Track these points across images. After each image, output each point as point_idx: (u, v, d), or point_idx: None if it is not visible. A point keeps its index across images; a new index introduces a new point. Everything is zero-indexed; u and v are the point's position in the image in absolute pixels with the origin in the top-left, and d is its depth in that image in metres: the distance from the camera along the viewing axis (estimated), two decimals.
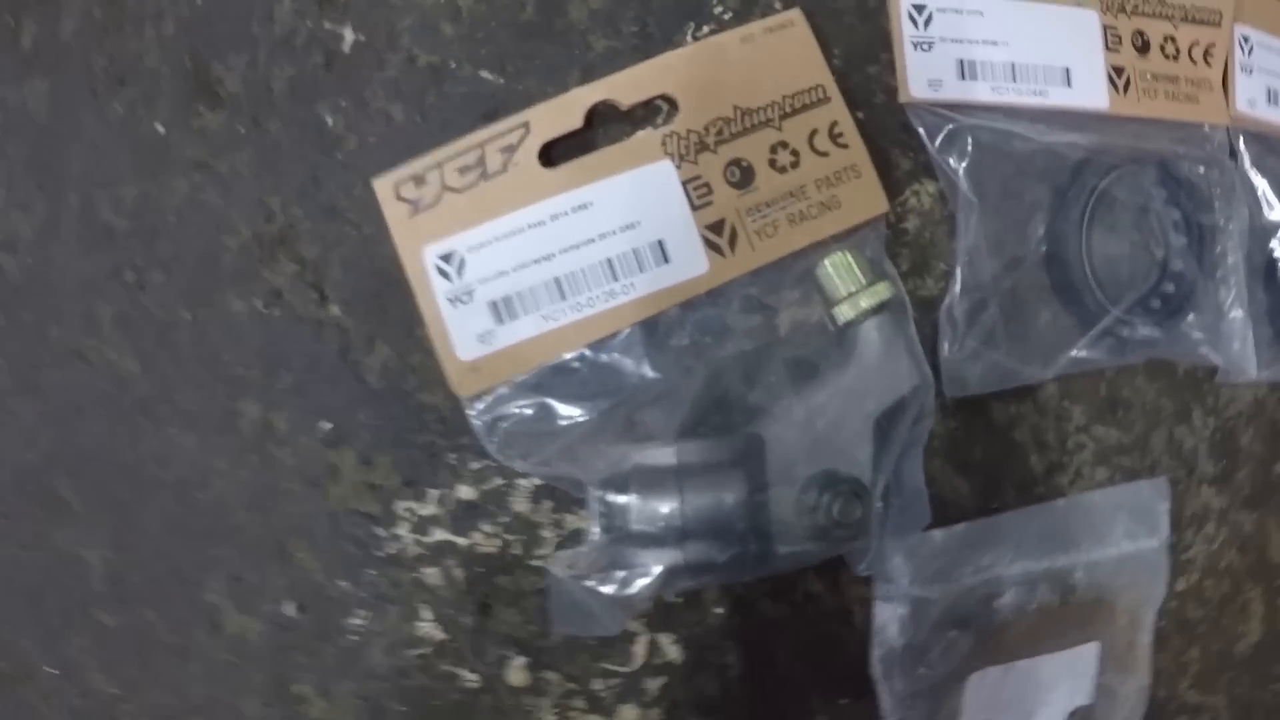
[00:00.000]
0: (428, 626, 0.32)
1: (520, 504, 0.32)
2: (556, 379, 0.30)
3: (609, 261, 0.31)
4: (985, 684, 0.33)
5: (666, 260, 0.31)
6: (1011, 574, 0.34)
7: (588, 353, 0.30)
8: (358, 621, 0.32)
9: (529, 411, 0.30)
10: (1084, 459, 0.36)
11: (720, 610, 0.33)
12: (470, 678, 0.32)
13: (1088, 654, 0.35)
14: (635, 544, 0.28)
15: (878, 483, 0.29)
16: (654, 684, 0.33)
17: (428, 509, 0.32)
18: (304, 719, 0.33)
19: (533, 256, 0.31)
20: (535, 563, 0.32)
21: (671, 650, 0.33)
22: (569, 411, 0.30)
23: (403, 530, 0.32)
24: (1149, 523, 0.36)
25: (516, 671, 0.32)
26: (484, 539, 0.32)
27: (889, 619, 0.33)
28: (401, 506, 0.32)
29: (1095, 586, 0.35)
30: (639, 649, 0.33)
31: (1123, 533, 0.35)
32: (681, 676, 0.33)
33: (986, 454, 0.34)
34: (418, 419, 0.32)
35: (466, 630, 0.32)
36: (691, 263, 0.31)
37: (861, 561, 0.31)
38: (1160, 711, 0.40)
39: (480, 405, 0.30)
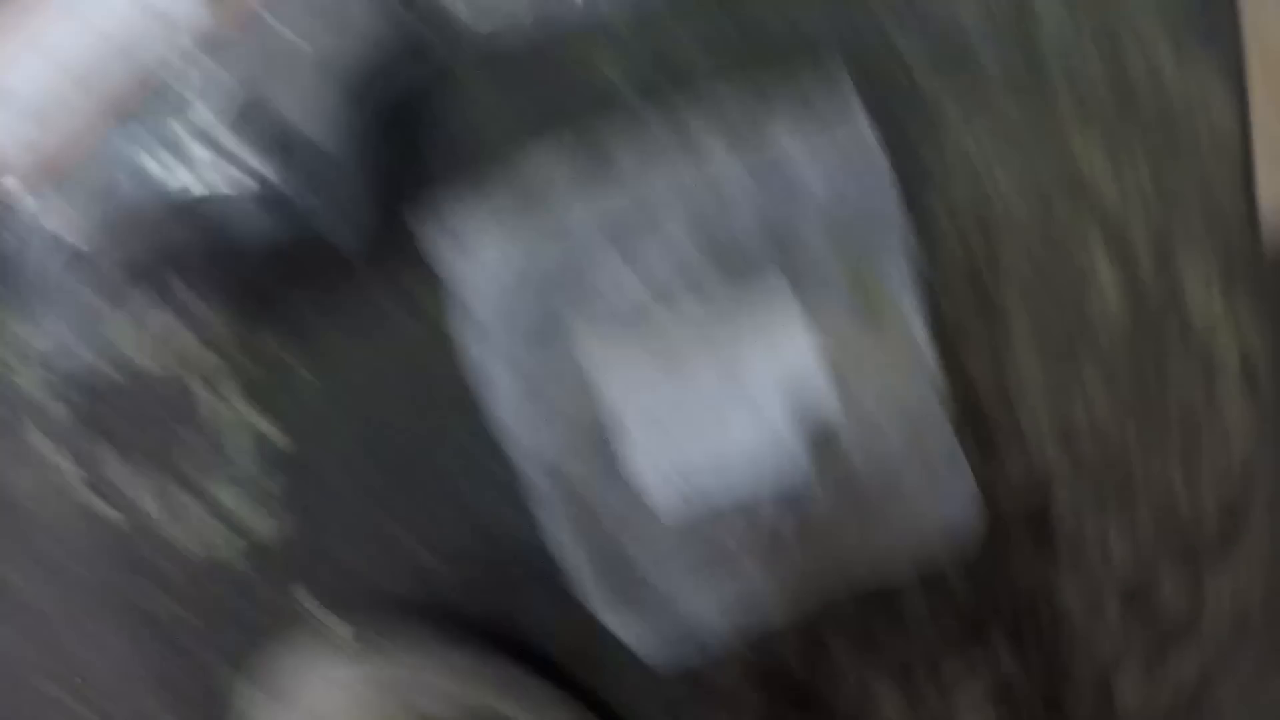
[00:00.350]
0: (67, 465, 0.30)
1: (117, 334, 0.29)
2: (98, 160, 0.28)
3: (124, 46, 0.28)
4: (643, 390, 0.25)
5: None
6: (642, 250, 0.25)
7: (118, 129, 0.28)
8: (15, 480, 0.31)
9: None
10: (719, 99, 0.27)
11: (305, 370, 0.28)
12: (113, 514, 0.31)
13: (787, 326, 0.26)
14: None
15: (349, 141, 0.23)
16: (275, 484, 0.29)
17: (38, 342, 0.30)
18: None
19: (57, 54, 0.29)
20: (145, 364, 0.29)
21: (279, 440, 0.29)
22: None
23: (24, 369, 0.30)
24: (829, 117, 0.26)
25: (149, 498, 0.30)
26: (91, 367, 0.30)
27: (487, 324, 0.26)
28: (16, 347, 0.31)
29: (766, 226, 0.25)
30: (242, 437, 0.29)
31: (789, 140, 0.25)
32: (293, 456, 0.29)
33: (566, 112, 0.27)
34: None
35: (96, 460, 0.30)
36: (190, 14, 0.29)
37: (351, 243, 0.25)
38: (1011, 420, 0.29)
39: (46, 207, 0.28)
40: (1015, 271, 0.29)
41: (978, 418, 0.29)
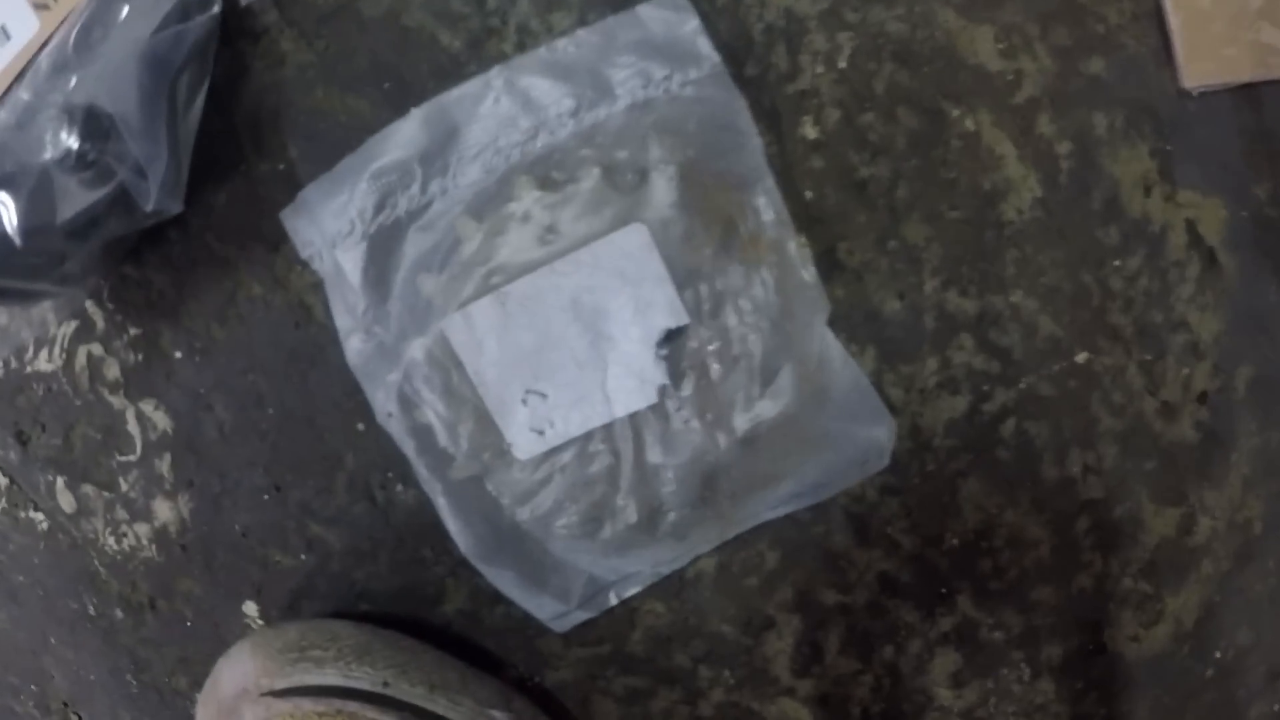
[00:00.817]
0: None
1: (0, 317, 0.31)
2: None
3: None
4: (475, 329, 0.23)
5: (9, 38, 0.30)
6: (467, 176, 0.24)
7: None
8: None
9: None
10: (524, 11, 0.26)
11: (179, 354, 0.28)
12: (39, 517, 0.31)
13: (631, 248, 0.23)
14: None
15: (153, 117, 0.23)
16: (163, 464, 0.29)
17: None
18: None
19: None
20: (40, 367, 0.30)
21: (160, 418, 0.29)
22: None
23: None
24: (673, 55, 0.24)
25: (63, 494, 0.31)
26: None
27: (333, 281, 0.25)
28: None
29: (602, 155, 0.24)
30: (132, 427, 0.29)
31: (628, 77, 0.24)
32: (181, 442, 0.29)
33: (378, 60, 0.26)
34: None
35: (15, 465, 0.31)
36: (26, 27, 0.30)
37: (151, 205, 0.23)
38: (917, 326, 0.27)
39: None
40: (887, 161, 0.27)
41: (882, 330, 0.27)
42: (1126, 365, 0.29)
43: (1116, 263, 0.29)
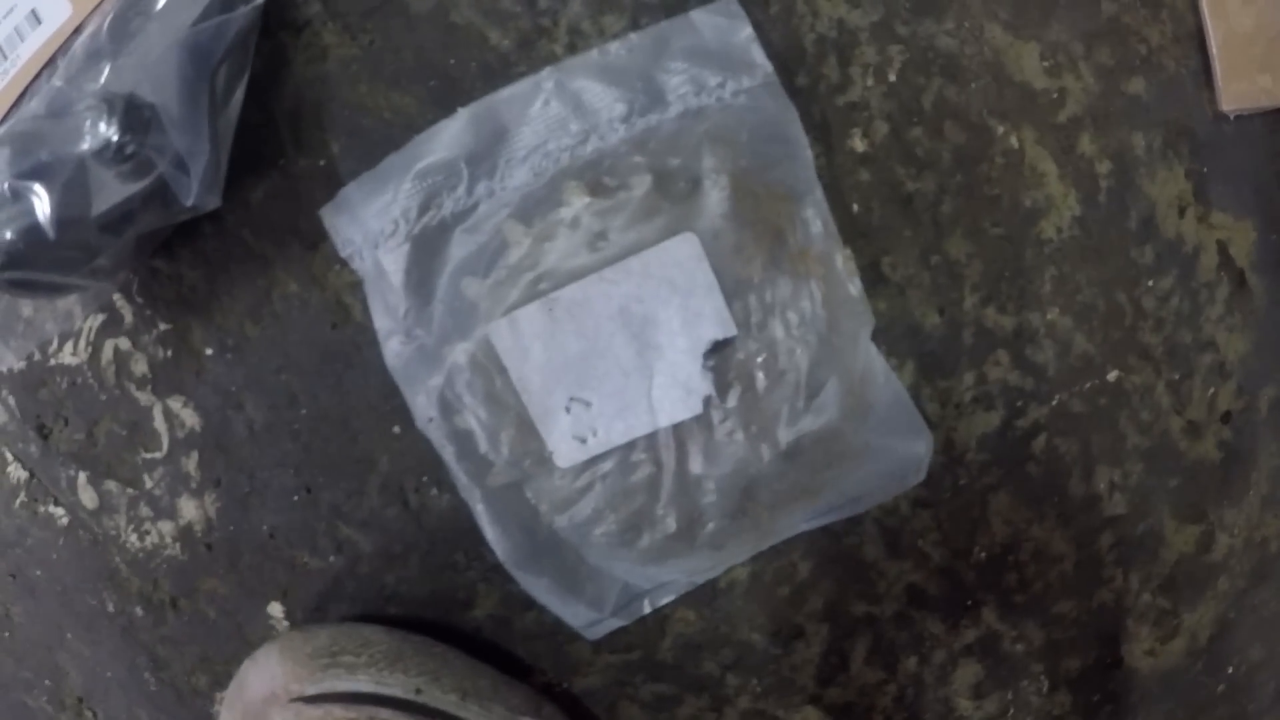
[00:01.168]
0: (12, 468, 0.30)
1: (26, 309, 0.29)
2: None
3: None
4: (521, 335, 0.23)
5: (40, 22, 0.29)
6: (515, 178, 0.23)
7: None
8: None
9: None
10: (575, 12, 0.25)
11: (210, 351, 0.27)
12: (59, 512, 0.30)
13: (681, 258, 0.23)
14: None
15: (194, 109, 0.23)
16: (190, 462, 0.28)
17: None
18: None
19: None
20: (64, 360, 0.29)
21: (188, 415, 0.28)
22: None
23: None
24: (726, 63, 0.23)
25: (84, 490, 0.30)
26: (13, 360, 0.29)
27: (374, 282, 0.24)
28: None
29: (654, 161, 0.23)
30: (159, 424, 0.29)
31: (681, 83, 0.23)
32: (209, 440, 0.27)
33: (425, 57, 0.25)
34: None
35: (36, 459, 0.30)
36: (58, 12, 0.29)
37: (192, 199, 0.22)
38: (955, 341, 0.26)
39: None
40: (934, 175, 0.26)
41: (921, 344, 0.27)
42: (1155, 384, 0.29)
43: (1150, 282, 0.28)
